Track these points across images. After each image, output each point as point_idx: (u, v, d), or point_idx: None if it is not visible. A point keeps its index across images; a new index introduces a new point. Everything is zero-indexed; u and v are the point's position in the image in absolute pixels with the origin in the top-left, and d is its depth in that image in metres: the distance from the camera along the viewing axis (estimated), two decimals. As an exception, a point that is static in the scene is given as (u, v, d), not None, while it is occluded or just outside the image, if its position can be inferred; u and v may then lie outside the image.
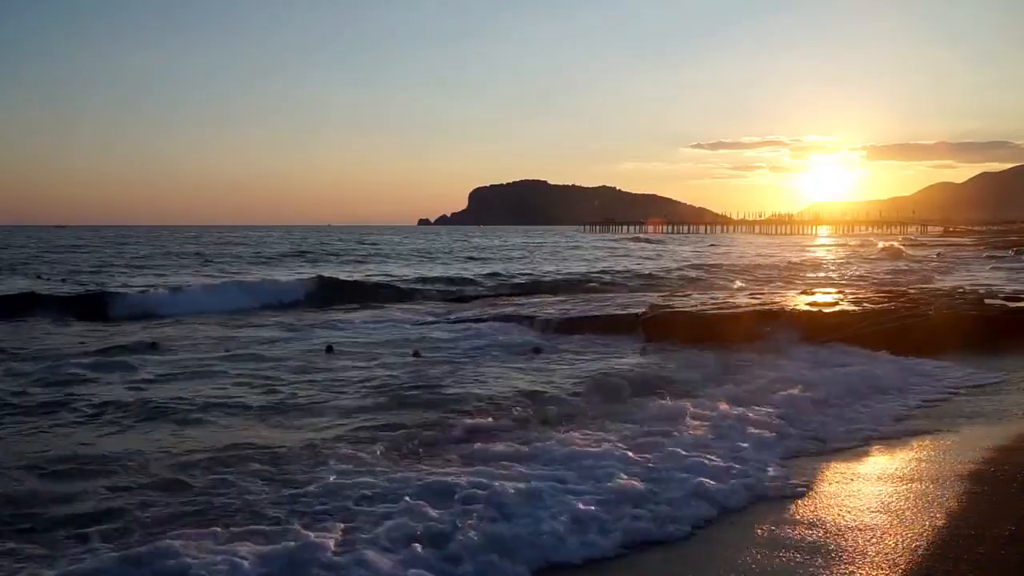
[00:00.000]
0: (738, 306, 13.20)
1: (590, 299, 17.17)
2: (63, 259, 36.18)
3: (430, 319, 14.86)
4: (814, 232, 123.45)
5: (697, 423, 6.74)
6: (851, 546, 4.31)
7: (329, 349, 10.82)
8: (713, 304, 13.67)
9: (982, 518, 4.65)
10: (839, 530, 4.55)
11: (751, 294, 16.02)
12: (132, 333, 12.90)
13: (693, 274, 27.22)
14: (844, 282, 23.10)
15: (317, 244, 58.01)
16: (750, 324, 11.84)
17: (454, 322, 14.29)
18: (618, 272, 28.15)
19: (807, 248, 58.14)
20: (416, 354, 10.48)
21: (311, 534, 4.20)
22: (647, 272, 27.93)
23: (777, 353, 10.63)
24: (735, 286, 21.29)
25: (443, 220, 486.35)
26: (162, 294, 17.80)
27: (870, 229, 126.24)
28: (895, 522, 4.64)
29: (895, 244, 50.24)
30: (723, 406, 7.21)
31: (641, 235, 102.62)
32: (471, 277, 25.92)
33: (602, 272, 28.02)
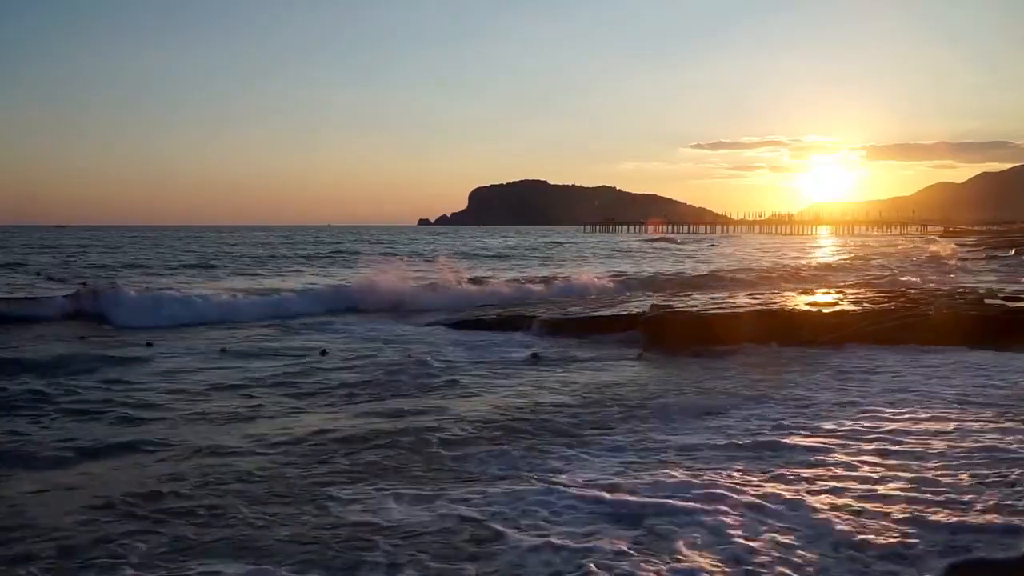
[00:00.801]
0: (739, 306, 13.22)
1: (596, 299, 17.22)
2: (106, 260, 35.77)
3: (433, 320, 14.89)
4: (814, 232, 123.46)
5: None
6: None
7: (323, 352, 10.74)
8: (715, 304, 13.70)
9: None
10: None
11: (751, 294, 16.04)
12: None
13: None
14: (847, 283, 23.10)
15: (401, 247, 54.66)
16: (756, 325, 11.87)
17: (456, 324, 14.33)
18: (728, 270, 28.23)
19: (847, 248, 56.51)
20: (410, 356, 10.49)
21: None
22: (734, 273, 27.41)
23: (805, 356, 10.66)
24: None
25: (443, 220, 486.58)
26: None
27: (870, 229, 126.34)
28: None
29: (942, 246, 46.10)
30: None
31: (667, 235, 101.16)
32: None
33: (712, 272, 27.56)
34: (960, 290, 16.42)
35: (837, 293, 15.60)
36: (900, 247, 52.59)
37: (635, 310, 13.66)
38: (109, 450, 6.18)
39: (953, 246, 45.65)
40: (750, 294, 15.97)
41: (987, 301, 13.78)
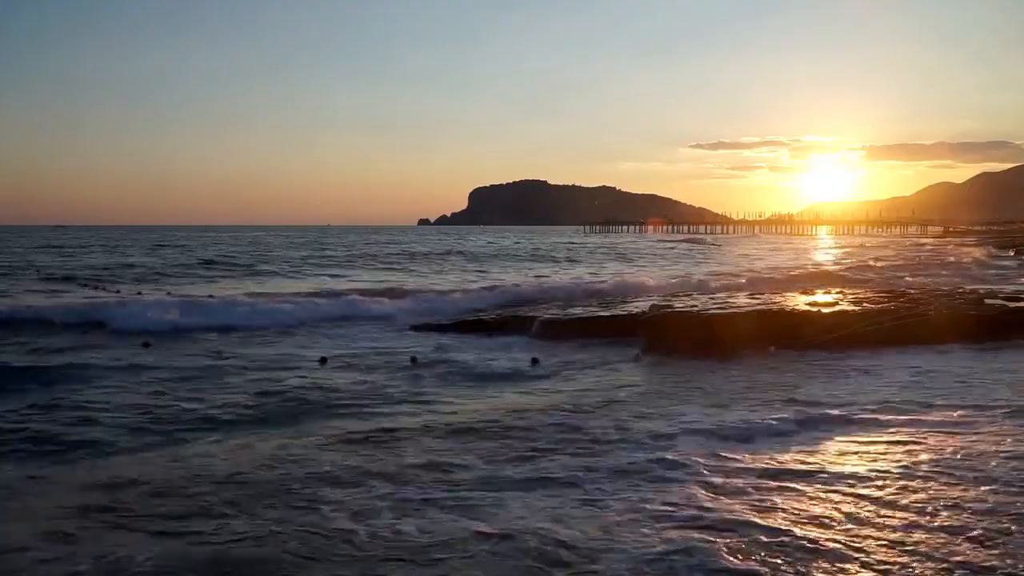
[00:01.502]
0: (739, 306, 13.23)
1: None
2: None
3: (435, 321, 14.88)
4: (814, 232, 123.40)
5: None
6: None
7: (323, 361, 10.57)
8: (715, 304, 13.70)
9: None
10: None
11: (751, 294, 16.05)
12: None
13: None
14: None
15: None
16: (756, 325, 11.85)
17: (456, 325, 14.33)
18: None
19: (875, 248, 54.00)
20: (413, 360, 10.42)
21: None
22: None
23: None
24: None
25: (443, 220, 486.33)
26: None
27: (870, 229, 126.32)
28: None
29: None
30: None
31: (695, 236, 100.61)
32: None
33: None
34: (960, 290, 16.43)
35: (837, 293, 15.62)
36: (934, 248, 50.47)
37: (635, 310, 13.67)
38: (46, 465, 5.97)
39: (990, 249, 42.74)
40: (750, 294, 15.98)
41: (987, 301, 13.81)
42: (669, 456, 5.88)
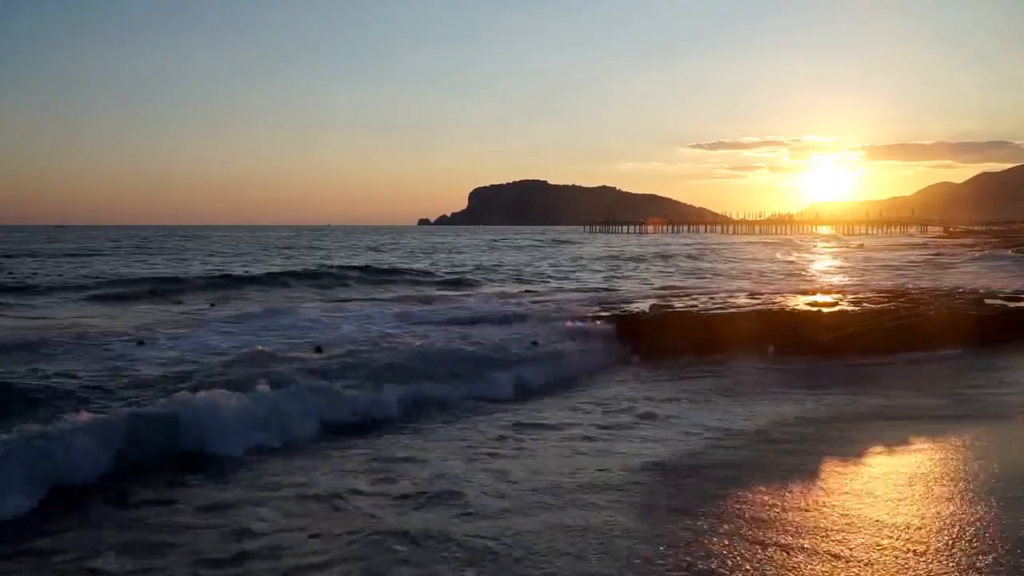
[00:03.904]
0: (739, 307, 13.21)
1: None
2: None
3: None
4: (814, 232, 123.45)
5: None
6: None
7: (318, 350, 10.26)
8: (715, 305, 13.68)
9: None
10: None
11: (751, 294, 16.03)
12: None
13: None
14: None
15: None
16: (755, 325, 11.79)
17: (450, 321, 14.26)
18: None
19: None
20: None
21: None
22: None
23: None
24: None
25: (443, 220, 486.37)
26: None
27: (869, 229, 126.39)
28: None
29: None
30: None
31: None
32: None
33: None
34: (960, 290, 16.41)
35: (837, 293, 15.61)
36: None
37: (636, 310, 13.64)
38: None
39: None
40: (750, 294, 15.97)
41: (987, 301, 13.78)
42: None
